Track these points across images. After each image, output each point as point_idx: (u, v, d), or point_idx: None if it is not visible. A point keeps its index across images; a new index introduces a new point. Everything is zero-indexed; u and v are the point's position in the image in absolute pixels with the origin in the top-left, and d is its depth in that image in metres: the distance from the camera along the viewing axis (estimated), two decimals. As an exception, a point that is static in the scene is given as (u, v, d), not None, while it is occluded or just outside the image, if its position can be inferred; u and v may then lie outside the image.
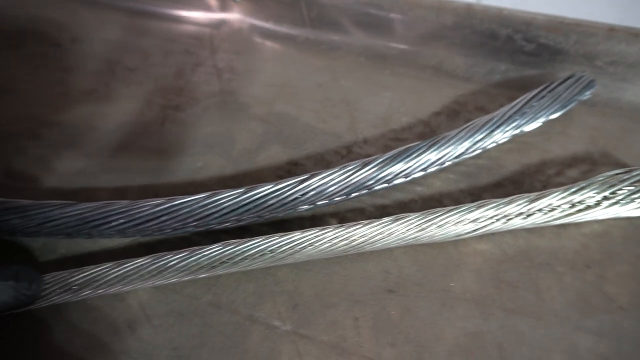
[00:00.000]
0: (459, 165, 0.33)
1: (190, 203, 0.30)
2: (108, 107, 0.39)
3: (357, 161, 0.31)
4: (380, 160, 0.31)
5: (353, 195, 0.31)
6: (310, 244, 0.28)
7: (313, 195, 0.30)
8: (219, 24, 0.45)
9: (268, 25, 0.44)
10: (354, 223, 0.29)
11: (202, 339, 0.27)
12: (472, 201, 0.30)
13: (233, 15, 0.45)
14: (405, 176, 0.31)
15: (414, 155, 0.31)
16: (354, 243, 0.29)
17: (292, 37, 0.43)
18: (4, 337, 0.27)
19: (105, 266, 0.28)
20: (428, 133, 0.35)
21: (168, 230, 0.30)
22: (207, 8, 0.45)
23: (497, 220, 0.29)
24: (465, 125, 0.32)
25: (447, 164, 0.32)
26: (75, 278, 0.28)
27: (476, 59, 0.38)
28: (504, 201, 0.29)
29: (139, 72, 0.42)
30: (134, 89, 0.40)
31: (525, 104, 0.32)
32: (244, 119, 0.37)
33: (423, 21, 0.38)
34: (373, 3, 0.39)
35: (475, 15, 0.37)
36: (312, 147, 0.35)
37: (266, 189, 0.30)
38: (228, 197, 0.30)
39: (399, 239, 0.29)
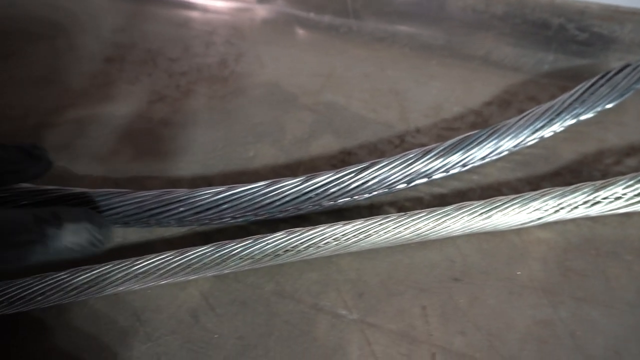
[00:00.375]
0: (514, 154, 0.33)
1: (251, 191, 0.29)
2: (152, 97, 0.39)
3: (417, 149, 0.31)
4: (440, 148, 0.31)
5: (412, 184, 0.31)
6: (375, 232, 0.28)
7: (374, 184, 0.30)
8: (259, 15, 0.44)
9: (309, 15, 0.43)
10: (418, 211, 0.29)
11: (268, 328, 0.27)
12: (531, 190, 0.30)
13: (274, 6, 0.44)
14: (464, 165, 0.31)
15: (474, 144, 0.31)
16: (418, 231, 0.28)
17: (335, 27, 0.42)
18: (79, 323, 0.27)
19: (167, 254, 0.28)
20: (480, 123, 0.35)
21: (227, 219, 0.30)
22: (247, -1, 0.45)
23: (562, 208, 0.29)
24: (524, 114, 0.32)
25: (505, 152, 0.31)
26: (137, 266, 0.27)
27: (525, 49, 0.38)
28: (568, 189, 0.29)
29: (181, 62, 0.41)
30: (178, 79, 0.40)
31: (584, 92, 0.32)
32: (293, 109, 0.37)
33: (472, 11, 0.38)
34: (420, -7, 0.39)
35: (527, 5, 0.36)
36: (364, 136, 0.35)
37: (327, 177, 0.30)
38: (289, 185, 0.30)
39: (463, 227, 0.28)
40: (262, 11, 0.45)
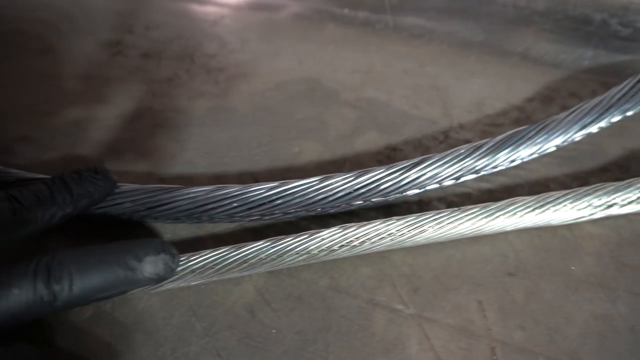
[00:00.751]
0: (560, 150, 0.33)
1: (303, 187, 0.29)
2: (192, 92, 0.39)
3: (467, 145, 0.31)
4: (490, 144, 0.31)
5: (461, 179, 0.31)
6: (430, 227, 0.28)
7: (425, 180, 0.30)
8: (293, 11, 0.44)
9: (344, 12, 0.44)
10: (471, 206, 0.29)
11: (325, 323, 0.27)
12: (579, 186, 0.30)
13: (307, 3, 0.44)
14: (513, 160, 0.31)
15: (523, 139, 0.31)
16: (472, 226, 0.28)
17: (371, 23, 0.42)
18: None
19: (224, 249, 0.28)
20: (524, 119, 0.35)
21: (278, 215, 0.30)
22: (281, -5, 0.45)
23: (615, 203, 0.29)
24: (572, 109, 0.32)
25: (552, 148, 0.31)
26: (193, 262, 0.27)
27: (565, 45, 0.38)
28: (622, 184, 0.29)
29: (218, 58, 0.41)
30: (216, 75, 0.40)
31: (632, 87, 0.32)
32: (334, 105, 0.37)
33: (512, 7, 0.38)
34: (460, -11, 0.39)
35: (569, 0, 0.36)
36: (408, 132, 0.35)
37: (378, 173, 0.30)
38: (340, 181, 0.30)
39: (516, 223, 0.29)
40: (296, 7, 0.45)
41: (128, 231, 0.31)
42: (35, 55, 0.42)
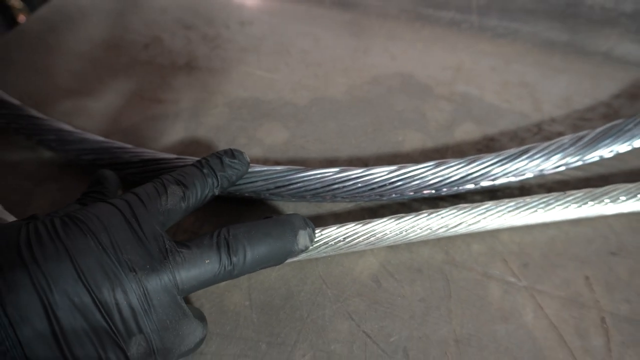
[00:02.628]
0: (649, 142, 0.35)
1: (420, 170, 0.32)
2: (294, 84, 0.42)
3: (570, 135, 0.33)
4: (591, 136, 0.33)
5: (564, 167, 0.33)
6: (540, 208, 0.31)
7: (531, 167, 0.33)
8: (378, 11, 0.47)
9: (428, 11, 0.46)
10: (576, 191, 0.31)
11: (446, 292, 0.30)
12: (671, 176, 0.32)
13: (392, 2, 0.47)
14: (611, 151, 0.34)
15: (622, 131, 0.33)
16: (579, 209, 0.31)
17: (456, 23, 0.45)
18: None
19: (352, 224, 0.31)
20: (612, 114, 0.38)
21: (395, 195, 0.33)
22: (370, -5, 0.47)
23: None
24: (666, 105, 0.34)
25: (646, 141, 0.34)
26: (325, 235, 0.30)
27: (649, 46, 0.41)
28: None
29: (314, 54, 0.44)
30: (315, 69, 0.43)
31: None
32: (430, 98, 0.40)
33: (600, 9, 0.40)
34: (547, -9, 0.41)
35: (656, 4, 0.39)
36: (503, 124, 0.38)
37: (489, 159, 0.33)
38: (455, 166, 0.32)
39: (619, 207, 0.31)
40: (381, 7, 0.47)
41: (252, 208, 0.34)
42: (143, 49, 0.46)
